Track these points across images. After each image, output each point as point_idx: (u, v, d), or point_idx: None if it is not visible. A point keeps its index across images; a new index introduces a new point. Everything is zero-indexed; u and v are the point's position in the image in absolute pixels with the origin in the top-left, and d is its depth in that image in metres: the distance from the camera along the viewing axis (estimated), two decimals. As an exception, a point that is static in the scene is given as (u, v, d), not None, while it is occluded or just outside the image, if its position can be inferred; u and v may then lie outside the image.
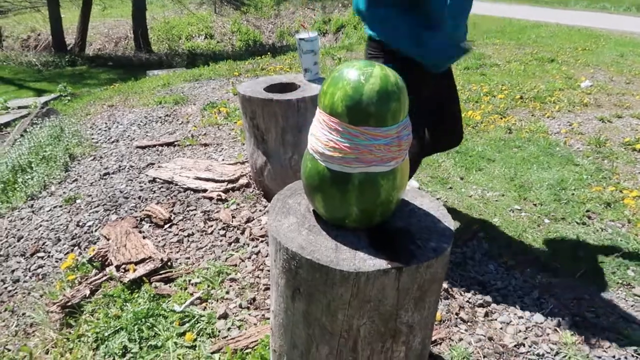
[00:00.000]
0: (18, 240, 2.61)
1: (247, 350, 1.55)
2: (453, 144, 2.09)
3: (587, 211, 2.48)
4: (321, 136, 1.05)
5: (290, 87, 2.44)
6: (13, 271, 2.36)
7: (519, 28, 10.06)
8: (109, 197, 2.79)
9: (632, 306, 1.82)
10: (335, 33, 15.31)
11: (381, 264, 1.03)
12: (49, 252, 2.42)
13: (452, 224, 1.18)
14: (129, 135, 3.82)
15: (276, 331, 1.30)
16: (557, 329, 1.69)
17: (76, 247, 2.40)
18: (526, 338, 1.64)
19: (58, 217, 2.71)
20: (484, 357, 1.55)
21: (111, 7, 19.76)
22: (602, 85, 5.26)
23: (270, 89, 2.40)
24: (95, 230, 2.49)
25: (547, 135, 3.63)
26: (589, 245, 2.18)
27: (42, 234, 2.59)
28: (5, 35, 15.38)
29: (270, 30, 17.65)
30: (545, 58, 6.78)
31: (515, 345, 1.61)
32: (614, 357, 1.57)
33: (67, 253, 2.35)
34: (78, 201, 2.82)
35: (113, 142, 3.73)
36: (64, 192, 2.99)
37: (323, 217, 1.17)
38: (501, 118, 4.01)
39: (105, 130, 4.01)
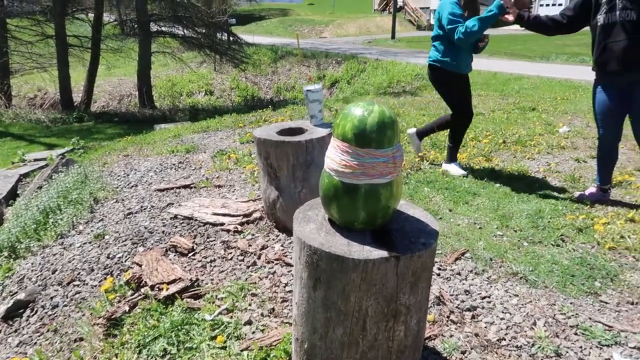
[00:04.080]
0: (53, 273, 2.88)
1: (271, 347, 1.83)
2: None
3: (561, 235, 2.82)
4: (336, 157, 1.41)
5: (298, 131, 2.83)
6: (52, 298, 2.63)
7: (503, 80, 10.74)
8: (135, 232, 3.10)
9: (598, 310, 2.13)
10: (329, 88, 16.09)
11: (383, 254, 1.36)
12: (84, 281, 2.70)
13: (437, 227, 1.51)
14: (146, 181, 4.17)
15: (299, 320, 1.59)
16: (533, 327, 1.98)
17: (109, 275, 2.68)
18: (507, 334, 1.93)
19: (89, 251, 3.01)
20: (472, 348, 1.84)
21: (115, 66, 20.64)
22: (579, 130, 5.72)
23: (282, 132, 2.78)
24: (126, 261, 2.79)
25: (527, 174, 4.01)
26: (562, 263, 2.50)
27: (75, 265, 2.87)
28: (13, 94, 16.02)
29: (267, 86, 18.51)
30: (527, 107, 7.29)
31: (497, 340, 1.90)
32: (580, 347, 1.86)
33: (101, 281, 2.64)
34: (106, 237, 3.12)
35: (132, 186, 4.08)
36: (91, 230, 3.29)
37: (337, 222, 1.50)
38: (486, 160, 4.41)
39: (124, 177, 4.37)
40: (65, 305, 2.52)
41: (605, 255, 2.59)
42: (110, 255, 2.87)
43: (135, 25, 15.20)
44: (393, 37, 26.79)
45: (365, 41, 26.95)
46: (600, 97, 3.18)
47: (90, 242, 3.10)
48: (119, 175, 4.42)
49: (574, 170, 4.13)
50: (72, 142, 7.58)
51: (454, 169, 4.00)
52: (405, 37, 27.53)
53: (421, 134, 4.29)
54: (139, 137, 6.58)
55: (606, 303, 2.17)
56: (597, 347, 1.87)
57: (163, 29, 15.88)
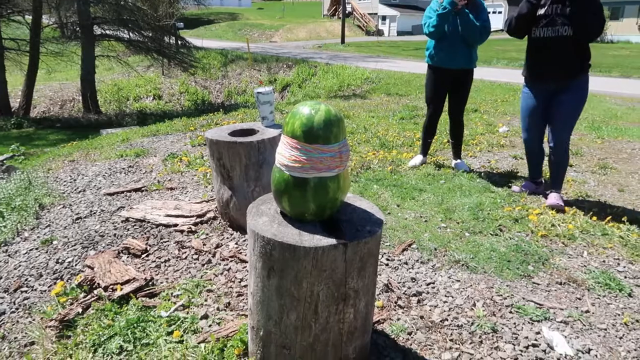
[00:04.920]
0: (-3, 280, 2.80)
1: (227, 338, 1.89)
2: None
3: (499, 225, 3.03)
4: (286, 153, 1.50)
5: (250, 132, 2.89)
6: (-2, 305, 2.56)
7: (447, 84, 11.17)
8: (85, 237, 3.05)
9: (531, 290, 2.32)
10: (281, 91, 16.17)
11: (332, 241, 1.46)
12: (33, 286, 2.64)
13: (382, 216, 1.63)
14: (95, 185, 4.10)
15: (254, 309, 1.67)
16: (473, 308, 2.14)
17: (59, 280, 2.64)
18: (449, 315, 2.08)
19: (36, 257, 2.94)
20: (417, 329, 1.97)
21: (56, 71, 19.81)
22: (517, 130, 6.08)
23: (234, 134, 2.84)
24: (76, 265, 2.75)
25: (470, 170, 4.25)
26: (500, 250, 2.70)
27: (22, 272, 2.80)
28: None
29: (218, 90, 18.34)
30: (470, 109, 7.65)
31: (441, 320, 2.05)
32: (514, 323, 2.04)
33: (51, 285, 2.59)
34: (55, 242, 3.06)
35: (80, 191, 3.99)
36: (38, 236, 3.21)
37: (288, 214, 1.59)
38: (431, 158, 4.63)
39: (70, 182, 4.26)
40: (13, 312, 2.46)
41: (538, 242, 2.82)
42: (60, 260, 2.82)
43: (77, 29, 14.68)
44: (343, 41, 27.23)
45: (315, 46, 27.24)
46: (527, 102, 3.44)
47: (37, 248, 3.03)
48: (65, 181, 4.31)
49: (512, 167, 4.41)
50: (11, 148, 7.20)
51: (413, 159, 4.41)
52: (354, 42, 28.04)
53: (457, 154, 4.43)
54: (85, 142, 6.40)
55: (538, 284, 2.37)
56: (529, 322, 2.06)
57: (107, 32, 15.42)
